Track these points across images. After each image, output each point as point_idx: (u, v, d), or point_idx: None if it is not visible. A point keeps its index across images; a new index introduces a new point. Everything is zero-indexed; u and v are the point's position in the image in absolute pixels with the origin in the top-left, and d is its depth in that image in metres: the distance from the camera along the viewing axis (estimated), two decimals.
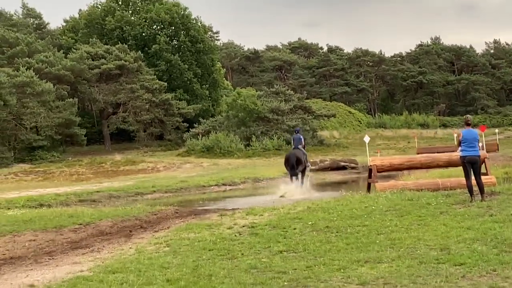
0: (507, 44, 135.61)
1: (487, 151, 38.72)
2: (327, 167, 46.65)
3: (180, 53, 76.73)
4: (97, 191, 34.07)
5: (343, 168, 47.45)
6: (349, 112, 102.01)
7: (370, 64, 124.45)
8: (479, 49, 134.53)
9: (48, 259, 13.76)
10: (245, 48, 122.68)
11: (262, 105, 67.53)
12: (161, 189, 35.71)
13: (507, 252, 10.43)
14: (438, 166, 21.80)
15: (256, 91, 79.98)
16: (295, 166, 29.00)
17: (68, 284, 10.67)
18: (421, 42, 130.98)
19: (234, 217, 17.33)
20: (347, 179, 43.30)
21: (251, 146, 64.18)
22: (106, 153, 65.89)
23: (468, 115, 17.37)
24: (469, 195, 16.29)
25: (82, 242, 15.69)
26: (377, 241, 12.18)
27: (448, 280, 8.97)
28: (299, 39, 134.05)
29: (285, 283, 9.57)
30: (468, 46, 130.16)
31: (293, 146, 30.65)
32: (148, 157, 62.48)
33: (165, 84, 71.88)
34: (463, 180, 20.62)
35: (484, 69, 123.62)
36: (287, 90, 74.41)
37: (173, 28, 78.93)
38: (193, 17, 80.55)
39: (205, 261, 11.78)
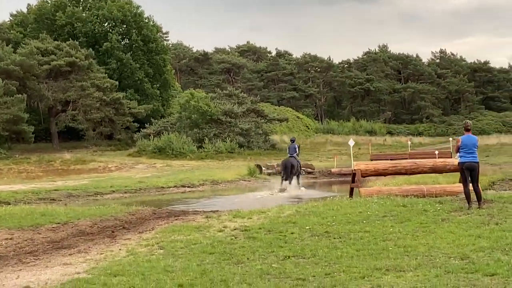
0: (452, 54, 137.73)
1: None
2: None
3: (132, 52, 75.68)
4: (55, 190, 33.08)
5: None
6: (297, 117, 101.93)
7: (318, 70, 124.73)
8: (425, 58, 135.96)
9: (33, 259, 13.08)
10: (194, 50, 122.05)
11: (215, 107, 66.90)
12: (120, 189, 34.85)
13: None
14: (423, 172, 21.50)
15: (207, 93, 79.31)
16: (289, 172, 32.39)
17: (69, 287, 10.01)
18: (368, 49, 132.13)
19: (221, 219, 16.76)
20: (305, 184, 42.90)
21: (204, 148, 63.51)
22: (54, 152, 64.48)
23: (467, 121, 17.06)
24: (466, 202, 15.98)
25: (64, 242, 14.99)
26: (389, 248, 11.72)
27: None
28: (248, 42, 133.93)
29: None
30: (414, 55, 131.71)
31: (288, 154, 33.62)
32: (98, 157, 61.36)
33: (116, 83, 70.72)
34: (447, 187, 20.52)
35: (430, 78, 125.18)
36: (240, 92, 73.93)
37: (125, 26, 77.83)
38: (145, 16, 79.59)
39: (210, 265, 11.20)
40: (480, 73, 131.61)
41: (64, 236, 15.65)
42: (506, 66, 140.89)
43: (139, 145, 64.98)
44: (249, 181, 41.74)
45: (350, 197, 20.77)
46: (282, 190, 31.37)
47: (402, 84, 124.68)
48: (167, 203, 27.66)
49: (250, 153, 63.88)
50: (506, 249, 11.15)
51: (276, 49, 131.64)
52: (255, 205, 22.41)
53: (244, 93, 76.55)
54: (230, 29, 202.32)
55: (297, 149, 34.01)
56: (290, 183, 32.57)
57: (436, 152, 51.57)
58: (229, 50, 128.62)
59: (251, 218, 16.54)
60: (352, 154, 24.18)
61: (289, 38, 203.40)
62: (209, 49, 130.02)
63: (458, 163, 16.19)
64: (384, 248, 11.77)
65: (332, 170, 47.16)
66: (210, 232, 14.94)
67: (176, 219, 17.67)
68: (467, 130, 16.29)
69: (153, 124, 69.47)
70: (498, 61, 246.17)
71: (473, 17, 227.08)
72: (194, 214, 19.23)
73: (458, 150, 16.15)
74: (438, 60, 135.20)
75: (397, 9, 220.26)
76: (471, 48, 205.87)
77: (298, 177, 33.63)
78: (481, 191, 16.23)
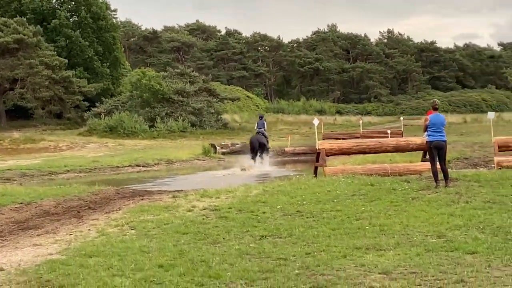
0: (399, 34, 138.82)
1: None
2: (238, 150, 46.10)
3: (81, 30, 74.36)
4: (8, 169, 32.52)
5: None
6: (247, 96, 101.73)
7: (268, 49, 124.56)
8: (373, 38, 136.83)
9: (1, 240, 12.79)
10: (143, 28, 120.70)
11: (167, 86, 66.34)
12: (75, 168, 34.34)
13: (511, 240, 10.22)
14: (387, 151, 21.61)
15: (158, 72, 78.51)
16: (257, 149, 33.92)
17: (44, 268, 9.90)
18: (318, 29, 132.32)
19: (188, 199, 16.65)
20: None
21: (156, 127, 62.98)
22: (2, 131, 63.23)
23: (435, 100, 17.13)
24: (434, 180, 16.09)
25: (29, 222, 14.78)
26: (365, 227, 11.79)
27: (477, 270, 8.59)
28: (197, 21, 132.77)
29: (296, 271, 8.99)
30: (362, 35, 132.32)
31: (256, 130, 35.54)
32: (48, 136, 60.42)
33: (65, 61, 69.47)
34: (410, 165, 20.68)
35: (378, 58, 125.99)
36: (192, 71, 73.40)
37: (74, 3, 76.54)
38: None
39: (186, 245, 11.15)
40: (427, 53, 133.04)
41: (28, 217, 15.39)
42: (452, 46, 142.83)
43: (90, 124, 64.17)
44: (204, 160, 41.54)
45: (314, 176, 20.79)
46: (247, 168, 32.16)
47: (350, 63, 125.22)
48: (127, 182, 27.37)
49: (203, 133, 63.60)
50: (481, 227, 11.30)
51: (225, 28, 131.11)
52: (220, 184, 22.31)
53: (194, 72, 75.88)
54: (179, 7, 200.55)
55: (265, 125, 36.26)
56: (262, 159, 34.14)
57: (389, 131, 51.86)
58: (179, 28, 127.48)
59: (219, 198, 16.46)
60: (316, 133, 23.92)
61: (238, 17, 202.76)
62: (159, 27, 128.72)
63: (426, 141, 16.28)
64: (360, 227, 11.82)
65: (286, 149, 47.24)
66: (179, 212, 14.85)
67: (142, 199, 17.50)
68: (435, 109, 16.36)
69: (104, 103, 68.62)
70: (442, 42, 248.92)
71: None
72: (160, 194, 19.05)
73: (426, 129, 16.22)
74: (385, 40, 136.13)
75: None
76: (416, 28, 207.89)
77: (266, 153, 35.09)
78: (447, 170, 16.36)
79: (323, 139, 55.04)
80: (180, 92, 66.61)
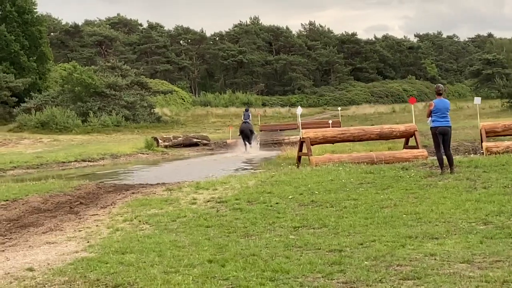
0: (321, 26, 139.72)
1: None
2: (180, 144, 45.43)
3: (6, 24, 72.07)
4: None
5: (196, 144, 46.39)
6: (173, 90, 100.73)
7: (191, 42, 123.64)
8: (295, 30, 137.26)
9: (5, 239, 12.04)
10: (64, 22, 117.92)
11: (99, 79, 64.95)
12: (21, 165, 33.13)
13: None
14: (370, 138, 21.40)
15: (83, 66, 76.81)
16: (249, 135, 39.17)
17: (82, 267, 9.25)
18: (240, 21, 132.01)
19: (184, 191, 16.10)
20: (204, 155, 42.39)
21: (89, 122, 61.62)
22: None
23: (440, 84, 16.84)
24: (439, 167, 15.88)
25: (23, 220, 14.05)
26: (400, 216, 11.41)
27: None
28: (118, 14, 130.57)
29: (366, 262, 8.55)
30: (285, 27, 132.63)
31: (243, 120, 40.15)
32: None
33: None
34: (396, 153, 20.50)
35: (301, 50, 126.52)
36: (123, 65, 72.09)
37: None
38: None
39: (220, 239, 10.63)
40: (348, 44, 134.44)
41: (19, 214, 14.63)
42: (372, 37, 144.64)
43: (20, 120, 62.38)
44: (148, 154, 40.81)
45: (297, 165, 20.42)
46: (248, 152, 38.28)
47: (274, 56, 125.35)
48: (91, 177, 26.33)
49: (137, 126, 62.60)
50: None
51: (147, 21, 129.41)
52: (196, 174, 21.96)
53: (126, 65, 74.56)
54: (98, 1, 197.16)
55: (250, 116, 41.12)
56: (250, 144, 39.20)
57: (330, 121, 52.07)
58: (100, 22, 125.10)
59: (216, 189, 15.94)
60: (300, 122, 23.56)
61: (160, 10, 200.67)
62: (79, 21, 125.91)
63: (431, 127, 16.01)
64: (393, 216, 11.48)
65: (228, 141, 46.90)
66: (182, 204, 14.33)
67: (134, 193, 16.82)
68: (439, 94, 16.10)
69: (33, 98, 66.74)
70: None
71: None
72: (143, 187, 18.39)
73: (430, 115, 15.96)
74: (305, 33, 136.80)
75: None
76: (330, 20, 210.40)
77: (253, 138, 40.21)
78: (452, 155, 16.19)
79: (261, 130, 55.16)
80: (112, 86, 65.35)
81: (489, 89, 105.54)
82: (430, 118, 15.97)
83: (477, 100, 23.88)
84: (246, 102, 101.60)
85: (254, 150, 39.16)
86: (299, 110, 26.59)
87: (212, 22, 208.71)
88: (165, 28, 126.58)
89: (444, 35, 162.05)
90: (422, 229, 10.27)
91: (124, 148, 41.92)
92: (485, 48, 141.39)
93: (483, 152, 20.03)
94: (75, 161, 36.00)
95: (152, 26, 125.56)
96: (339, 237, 10.23)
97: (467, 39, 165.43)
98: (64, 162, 35.34)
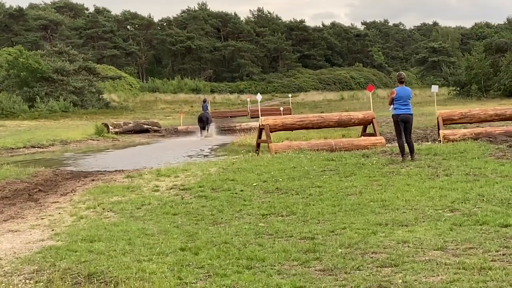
0: (269, 12, 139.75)
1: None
2: (131, 130, 45.05)
3: None
4: None
5: (147, 131, 46.06)
6: (121, 75, 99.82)
7: (138, 27, 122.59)
8: (243, 16, 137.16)
9: None
10: (7, 5, 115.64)
11: (46, 64, 63.94)
12: None
13: None
14: (329, 126, 21.41)
15: (28, 50, 75.48)
16: (206, 123, 41.34)
17: (51, 255, 9.09)
18: (188, 7, 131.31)
19: (145, 178, 15.94)
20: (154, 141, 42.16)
21: (36, 107, 60.65)
22: None
23: (401, 72, 16.92)
24: (400, 154, 15.98)
25: None
26: (367, 203, 11.43)
27: None
28: None
29: (340, 249, 8.54)
30: (233, 14, 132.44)
31: (203, 111, 42.63)
32: None
33: None
34: (354, 140, 20.58)
35: (249, 36, 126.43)
36: (71, 49, 71.07)
37: None
38: None
39: (189, 226, 10.55)
40: (296, 31, 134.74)
41: None
42: (319, 25, 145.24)
43: None
44: (98, 140, 40.45)
45: (257, 152, 20.38)
46: (208, 136, 40.90)
47: (222, 42, 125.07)
48: (45, 163, 25.88)
49: (85, 112, 61.87)
50: (485, 200, 11.13)
51: (94, 5, 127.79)
52: (153, 161, 21.83)
53: (73, 50, 73.49)
54: None
55: (208, 107, 44.14)
56: (208, 131, 41.34)
57: (281, 108, 52.16)
58: (45, 6, 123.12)
59: (178, 177, 15.81)
60: (260, 110, 23.47)
61: None
62: (24, 4, 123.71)
63: (393, 115, 16.09)
64: (360, 203, 11.50)
65: (179, 127, 46.76)
66: (144, 192, 14.20)
67: (93, 180, 16.59)
68: (401, 82, 16.16)
69: None
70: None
71: None
72: (102, 174, 18.17)
73: (392, 102, 16.04)
74: (254, 19, 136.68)
75: None
76: (278, 8, 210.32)
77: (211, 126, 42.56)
78: (413, 142, 16.31)
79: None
80: (59, 71, 64.38)
81: (435, 77, 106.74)
82: (392, 106, 16.07)
83: (434, 88, 24.09)
84: (194, 88, 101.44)
85: (211, 136, 41.00)
86: (259, 97, 26.54)
87: (160, 8, 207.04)
88: (112, 13, 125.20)
89: (391, 23, 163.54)
90: (391, 216, 10.29)
91: (73, 134, 41.46)
92: (431, 36, 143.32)
93: (440, 140, 20.23)
94: (24, 147, 35.45)
95: (98, 11, 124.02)
96: (309, 224, 10.21)
97: (413, 27, 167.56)
98: (13, 148, 34.76)
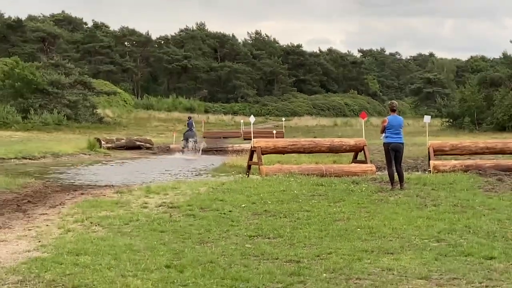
0: (267, 36, 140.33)
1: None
2: (123, 146, 45.07)
3: None
4: None
5: (139, 147, 46.07)
6: (117, 91, 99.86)
7: (136, 44, 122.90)
8: (241, 38, 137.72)
9: None
10: (6, 16, 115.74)
11: (41, 76, 63.99)
12: None
13: None
14: (321, 151, 21.52)
15: (26, 62, 75.48)
16: (192, 140, 42.39)
17: (36, 266, 9.13)
18: (186, 26, 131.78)
19: (134, 194, 15.94)
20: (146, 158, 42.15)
21: (30, 119, 60.62)
22: None
23: (393, 101, 17.07)
24: (390, 182, 16.06)
25: None
26: (354, 230, 11.49)
27: None
28: (63, 11, 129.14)
29: (325, 274, 8.63)
30: (231, 35, 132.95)
31: (187, 128, 44.18)
32: None
33: None
34: (344, 167, 20.66)
35: (246, 58, 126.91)
36: (67, 63, 71.17)
37: None
38: None
39: (175, 244, 10.61)
40: (293, 56, 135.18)
41: None
42: (314, 50, 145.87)
43: None
44: (90, 155, 40.37)
45: (247, 174, 20.43)
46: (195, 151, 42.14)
47: (218, 63, 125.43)
48: (35, 175, 25.88)
49: (79, 126, 61.86)
50: (471, 231, 11.24)
51: (92, 20, 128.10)
52: (143, 177, 21.82)
53: (69, 63, 73.56)
54: None
55: (193, 124, 44.65)
56: (195, 147, 42.36)
57: (274, 131, 52.30)
58: (44, 18, 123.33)
59: (167, 194, 15.84)
60: (252, 132, 23.57)
61: (105, 9, 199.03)
62: (23, 16, 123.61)
63: (384, 143, 16.19)
64: (347, 229, 11.57)
65: (171, 146, 46.74)
66: (133, 208, 14.20)
67: (83, 194, 16.61)
68: (393, 110, 16.27)
69: None
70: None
71: (274, 1, 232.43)
72: (92, 188, 18.20)
73: (383, 131, 16.13)
74: (252, 41, 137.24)
75: None
76: (275, 31, 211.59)
77: (197, 144, 43.36)
78: (403, 172, 16.40)
79: (204, 137, 55.05)
80: (55, 84, 64.40)
81: (428, 107, 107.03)
82: (383, 134, 16.16)
83: (427, 118, 24.27)
84: (189, 108, 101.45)
85: (193, 155, 41.25)
86: (252, 119, 26.64)
87: (158, 26, 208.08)
88: (110, 28, 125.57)
89: (387, 52, 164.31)
90: (377, 244, 10.37)
91: (66, 147, 41.38)
92: (426, 67, 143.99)
93: (430, 170, 20.33)
94: (15, 158, 35.33)
95: (97, 26, 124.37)
96: (295, 248, 10.27)
97: (409, 57, 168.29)
98: (3, 159, 34.65)
